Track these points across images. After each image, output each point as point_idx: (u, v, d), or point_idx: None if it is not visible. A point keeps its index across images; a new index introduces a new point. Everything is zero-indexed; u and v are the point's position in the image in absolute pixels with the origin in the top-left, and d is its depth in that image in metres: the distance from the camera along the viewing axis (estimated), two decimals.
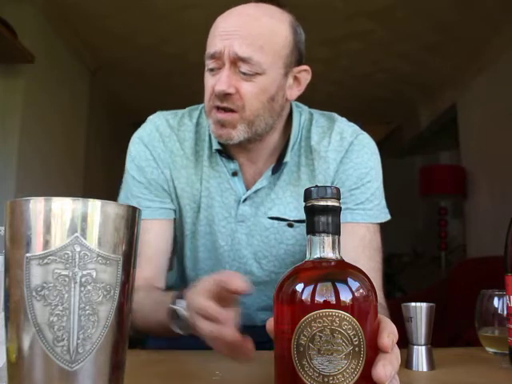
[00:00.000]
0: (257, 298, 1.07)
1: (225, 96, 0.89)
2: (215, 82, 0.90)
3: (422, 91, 3.96)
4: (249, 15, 0.92)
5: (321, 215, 0.49)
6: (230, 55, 0.88)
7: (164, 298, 0.80)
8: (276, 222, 1.01)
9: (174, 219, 1.04)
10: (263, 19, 0.92)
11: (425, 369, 0.72)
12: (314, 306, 0.45)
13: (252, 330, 1.07)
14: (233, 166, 1.00)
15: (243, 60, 0.88)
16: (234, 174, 1.00)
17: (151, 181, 1.01)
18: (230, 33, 0.89)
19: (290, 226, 1.01)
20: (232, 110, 0.90)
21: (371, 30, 2.94)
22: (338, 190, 0.50)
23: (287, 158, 0.99)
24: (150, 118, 1.06)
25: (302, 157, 1.01)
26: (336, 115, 1.07)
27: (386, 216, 1.02)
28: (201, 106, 1.07)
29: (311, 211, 0.50)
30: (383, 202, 1.03)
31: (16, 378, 0.39)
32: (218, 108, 0.91)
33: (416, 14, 2.75)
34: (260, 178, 1.00)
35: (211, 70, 0.91)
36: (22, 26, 2.40)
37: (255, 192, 1.00)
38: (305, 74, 0.98)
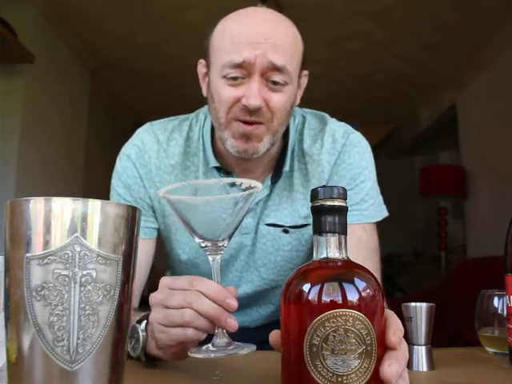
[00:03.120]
0: (258, 306, 1.06)
1: (255, 110, 0.83)
2: (241, 93, 0.84)
3: (422, 91, 3.96)
4: (275, 21, 0.87)
5: (328, 215, 0.49)
6: (262, 64, 0.82)
7: (134, 317, 0.74)
8: (272, 228, 0.99)
9: (157, 236, 1.02)
10: (287, 26, 0.88)
11: (425, 369, 0.72)
12: (327, 305, 0.45)
13: (251, 331, 1.08)
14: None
15: (277, 69, 0.83)
16: (233, 184, 0.98)
17: (138, 199, 0.98)
18: (261, 41, 0.82)
19: (286, 232, 0.99)
20: (258, 122, 0.85)
21: (371, 30, 2.94)
22: (344, 190, 0.50)
23: (286, 167, 0.97)
24: (139, 131, 1.02)
25: (294, 161, 0.99)
26: (327, 116, 1.04)
27: (381, 214, 1.01)
28: (191, 116, 1.03)
29: (318, 211, 0.50)
30: (379, 200, 1.01)
31: (16, 378, 0.39)
32: (240, 120, 0.85)
33: (416, 14, 2.75)
34: None
35: (233, 79, 0.84)
36: (22, 26, 2.41)
37: (257, 203, 0.97)
38: (305, 79, 0.97)
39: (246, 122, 0.85)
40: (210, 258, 0.62)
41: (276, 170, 0.97)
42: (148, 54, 3.26)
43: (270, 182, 0.97)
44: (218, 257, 0.62)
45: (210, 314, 0.58)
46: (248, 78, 0.84)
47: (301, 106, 1.07)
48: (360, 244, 0.94)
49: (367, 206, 0.98)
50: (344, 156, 0.98)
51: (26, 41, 2.39)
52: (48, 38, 2.81)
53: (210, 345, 0.59)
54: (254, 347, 0.59)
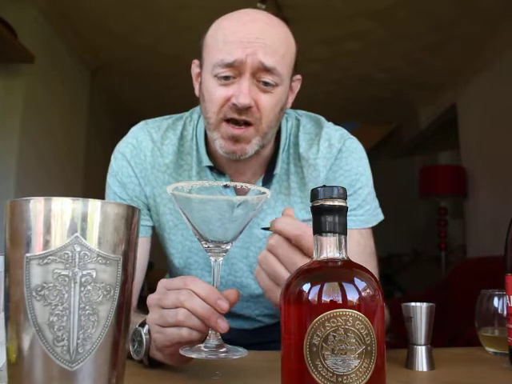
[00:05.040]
0: (255, 310, 1.06)
1: (245, 109, 0.84)
2: (231, 92, 0.84)
3: (422, 91, 3.96)
4: (266, 23, 0.87)
5: (328, 215, 0.49)
6: (253, 64, 0.83)
7: (134, 318, 0.72)
8: (268, 232, 0.99)
9: (152, 235, 1.02)
10: (279, 27, 0.88)
11: (425, 369, 0.72)
12: (327, 305, 0.45)
13: (251, 332, 1.08)
14: (224, 180, 0.95)
15: (267, 70, 0.84)
16: (226, 186, 0.98)
17: (133, 198, 0.99)
18: (252, 40, 0.83)
19: None
20: (247, 124, 0.85)
21: (371, 30, 2.94)
22: (344, 189, 0.50)
23: (277, 170, 0.96)
24: (133, 129, 1.01)
25: (290, 164, 0.98)
26: (323, 119, 1.04)
27: (377, 218, 1.01)
28: (185, 115, 1.03)
29: (318, 211, 0.50)
30: (375, 204, 1.01)
31: (16, 378, 0.39)
32: (229, 121, 0.85)
33: (416, 13, 2.75)
34: None
35: (225, 78, 0.85)
36: (22, 26, 2.41)
37: None
38: (298, 83, 0.97)
39: (235, 122, 0.85)
40: (212, 259, 0.62)
41: (268, 173, 0.97)
42: (148, 54, 3.26)
43: (261, 184, 0.96)
44: (220, 258, 0.62)
45: (200, 313, 0.58)
46: (239, 77, 0.84)
47: (300, 106, 1.07)
48: (357, 249, 0.94)
49: (364, 212, 0.98)
50: (341, 162, 0.98)
51: (26, 41, 2.39)
52: (48, 38, 2.81)
53: (202, 345, 0.59)
54: (245, 352, 0.58)
